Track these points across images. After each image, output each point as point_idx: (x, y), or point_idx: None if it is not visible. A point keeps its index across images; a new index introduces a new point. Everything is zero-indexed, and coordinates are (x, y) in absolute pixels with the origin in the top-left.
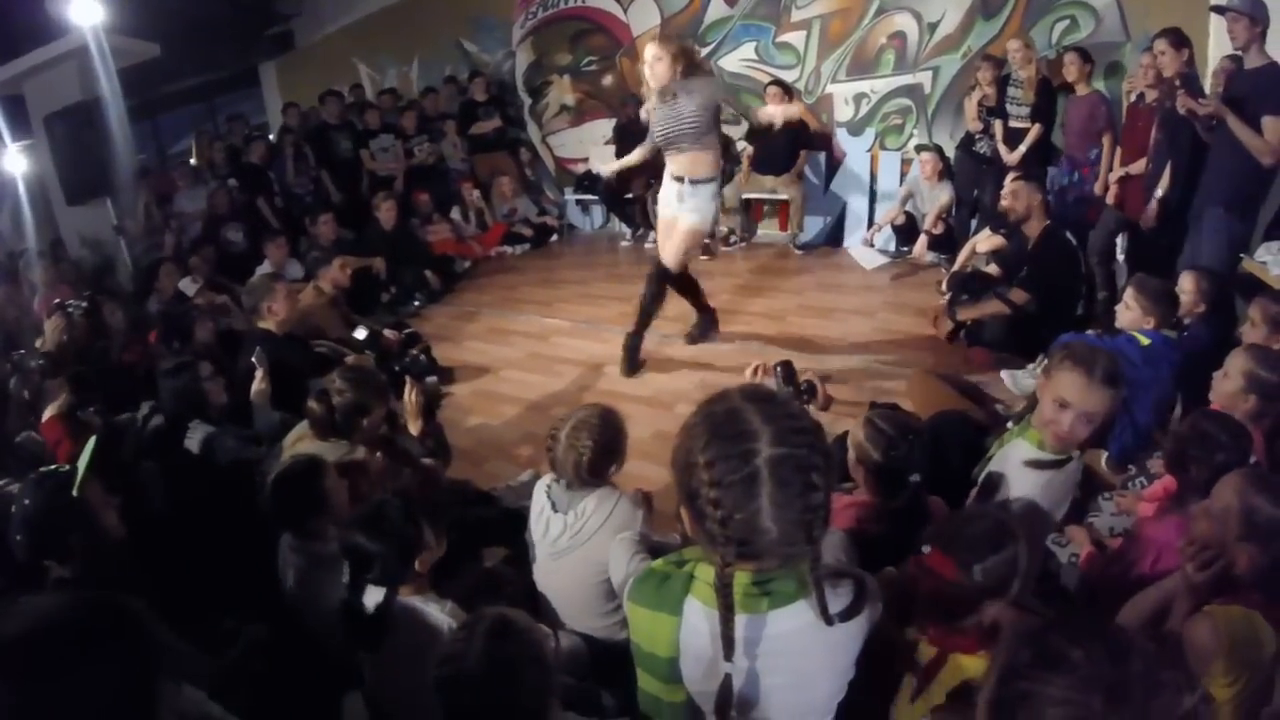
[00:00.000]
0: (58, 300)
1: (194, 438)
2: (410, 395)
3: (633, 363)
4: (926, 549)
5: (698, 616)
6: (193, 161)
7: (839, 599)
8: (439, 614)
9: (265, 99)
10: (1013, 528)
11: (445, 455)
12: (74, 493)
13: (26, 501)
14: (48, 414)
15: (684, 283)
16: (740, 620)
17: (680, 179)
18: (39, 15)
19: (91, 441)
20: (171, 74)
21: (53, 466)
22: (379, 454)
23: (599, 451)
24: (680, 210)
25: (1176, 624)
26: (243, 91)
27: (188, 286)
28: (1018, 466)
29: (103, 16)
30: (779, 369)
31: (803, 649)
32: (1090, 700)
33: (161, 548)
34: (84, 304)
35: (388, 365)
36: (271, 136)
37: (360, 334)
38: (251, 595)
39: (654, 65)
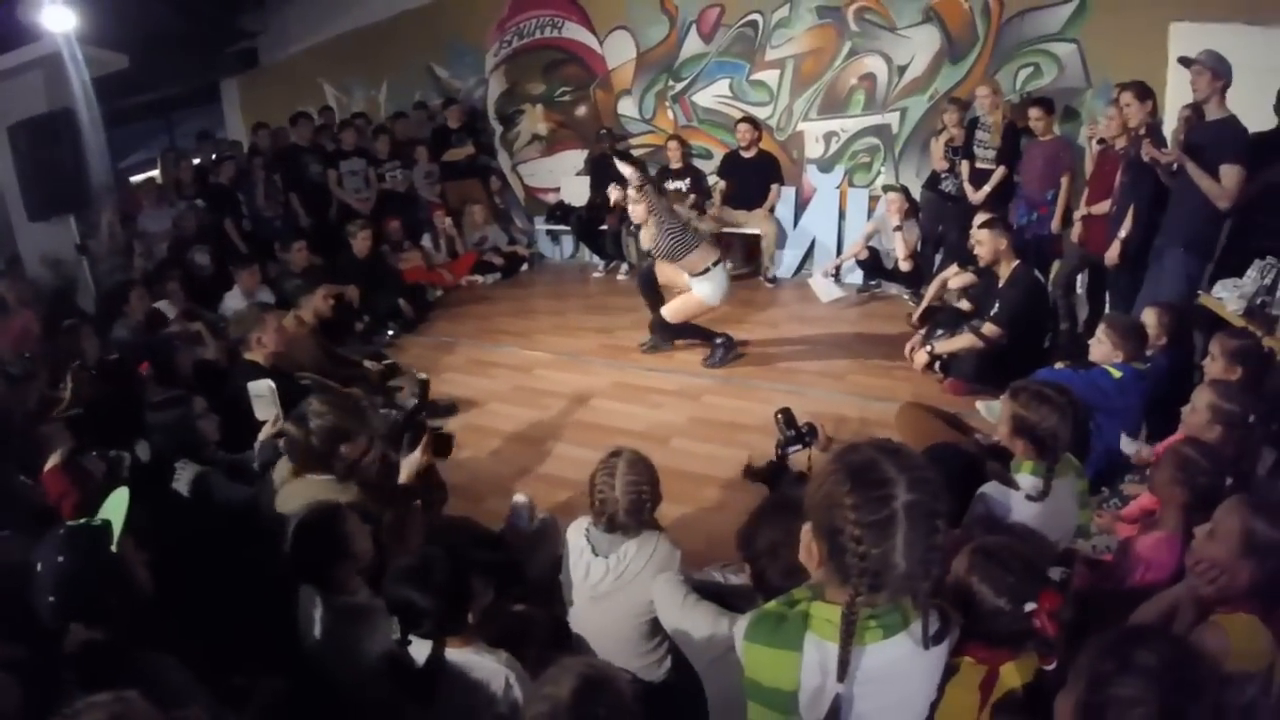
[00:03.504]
0: (78, 363)
1: (182, 478)
2: (421, 453)
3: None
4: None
5: (813, 650)
6: (154, 176)
7: (932, 624)
8: (495, 664)
9: (226, 116)
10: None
11: (441, 493)
12: (114, 549)
13: (60, 560)
14: (50, 464)
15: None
16: (854, 650)
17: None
18: (3, 20)
19: (124, 494)
20: (133, 87)
21: (81, 521)
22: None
23: (654, 493)
24: (692, 284)
25: (1181, 630)
26: (202, 107)
27: (165, 309)
28: (1019, 499)
29: (75, 23)
30: (780, 416)
31: (904, 674)
32: (1170, 698)
33: (169, 598)
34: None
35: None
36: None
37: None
38: (262, 646)
39: (634, 208)
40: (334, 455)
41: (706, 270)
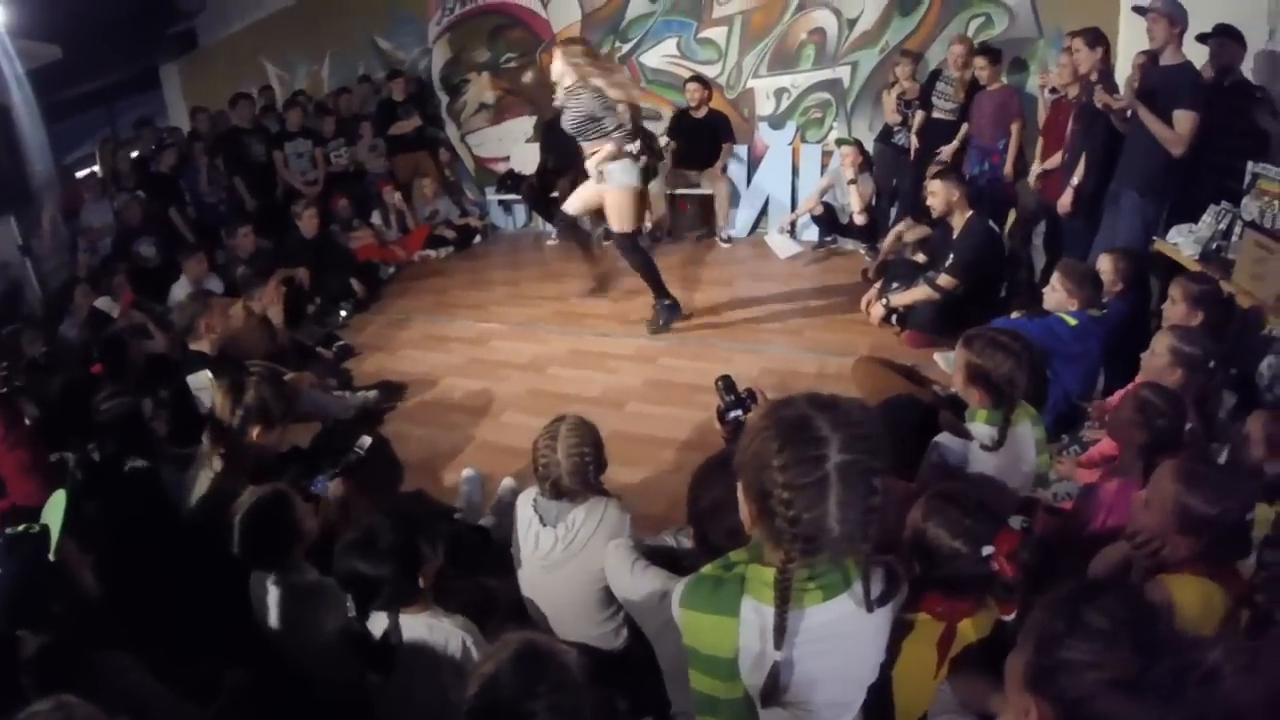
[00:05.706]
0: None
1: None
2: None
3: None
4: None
5: (752, 614)
6: (95, 170)
7: (876, 585)
8: (452, 627)
9: (167, 101)
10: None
11: (396, 470)
12: (51, 556)
13: None
14: None
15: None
16: (792, 613)
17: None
18: None
19: (61, 497)
20: (69, 78)
21: (20, 527)
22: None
23: (598, 457)
24: (604, 187)
25: (1137, 578)
26: (142, 95)
27: (106, 306)
28: (975, 449)
29: (3, 16)
30: (720, 382)
31: (848, 634)
32: (1127, 661)
33: (122, 597)
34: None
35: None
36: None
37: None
38: (220, 638)
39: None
40: (244, 433)
41: (626, 155)
